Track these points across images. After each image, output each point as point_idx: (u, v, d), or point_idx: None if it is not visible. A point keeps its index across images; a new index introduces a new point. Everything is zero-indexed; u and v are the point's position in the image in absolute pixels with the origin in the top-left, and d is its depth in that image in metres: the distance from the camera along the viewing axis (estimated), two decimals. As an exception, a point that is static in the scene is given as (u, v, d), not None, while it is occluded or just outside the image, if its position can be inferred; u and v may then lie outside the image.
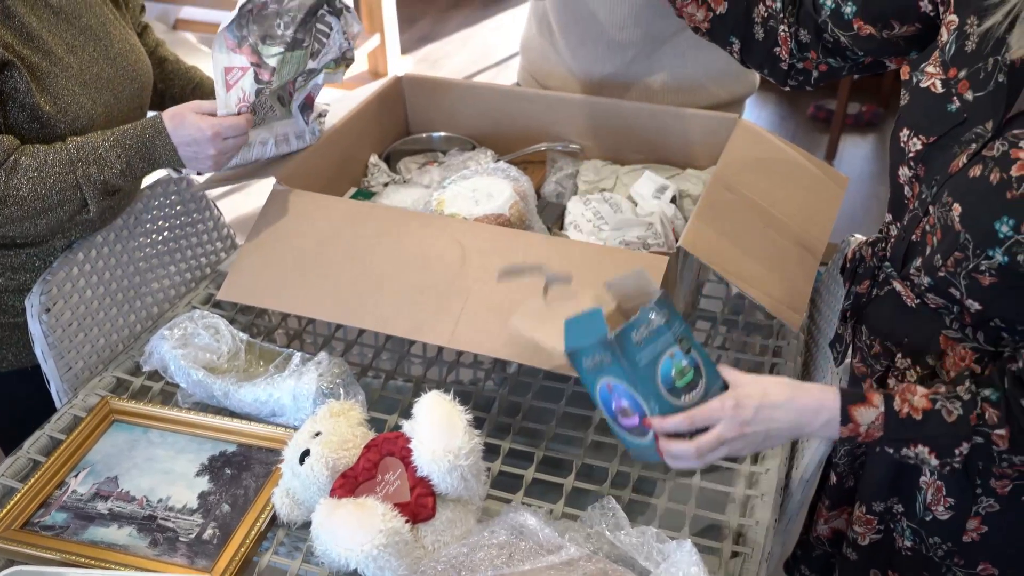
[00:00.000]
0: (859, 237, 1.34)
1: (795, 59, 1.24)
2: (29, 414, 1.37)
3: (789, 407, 1.00)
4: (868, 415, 0.99)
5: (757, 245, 1.34)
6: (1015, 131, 0.93)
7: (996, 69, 0.95)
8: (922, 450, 0.99)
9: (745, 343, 1.50)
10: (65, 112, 1.35)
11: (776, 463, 1.25)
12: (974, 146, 0.96)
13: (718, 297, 1.60)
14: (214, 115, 1.35)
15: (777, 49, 1.24)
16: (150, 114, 1.42)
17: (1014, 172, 0.91)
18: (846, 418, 0.99)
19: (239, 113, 1.36)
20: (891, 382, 1.15)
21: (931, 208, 1.01)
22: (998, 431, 0.96)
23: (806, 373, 1.48)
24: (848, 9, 1.15)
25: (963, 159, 0.97)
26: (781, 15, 1.23)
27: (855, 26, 1.15)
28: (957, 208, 0.96)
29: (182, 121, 1.35)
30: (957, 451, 0.97)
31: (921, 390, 0.99)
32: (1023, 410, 0.95)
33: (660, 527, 1.14)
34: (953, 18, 1.02)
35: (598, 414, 1.34)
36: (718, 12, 1.25)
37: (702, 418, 1.00)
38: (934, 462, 0.99)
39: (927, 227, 1.02)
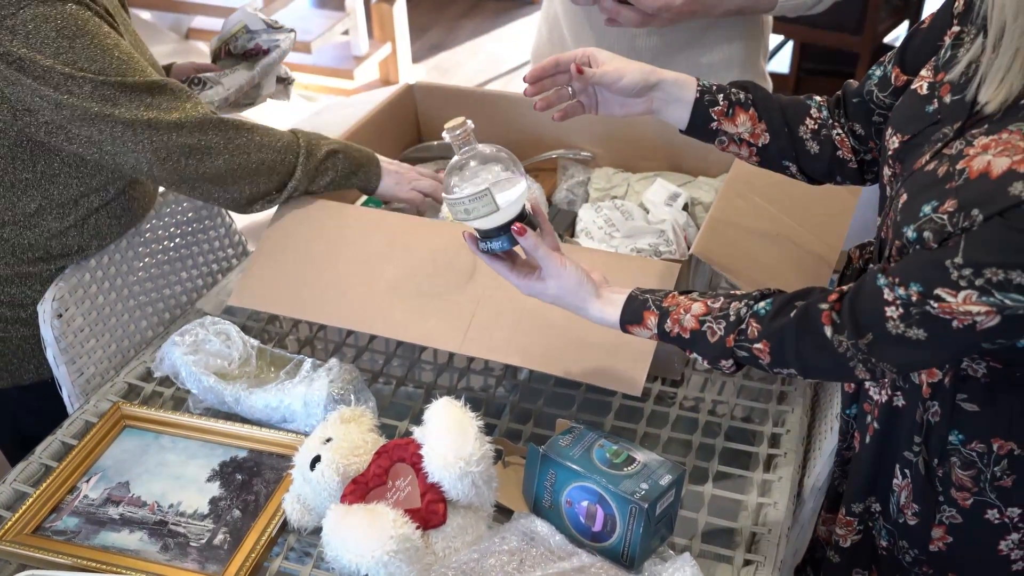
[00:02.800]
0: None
1: (860, 154, 1.21)
2: (48, 427, 1.36)
3: (576, 312, 1.14)
4: (643, 334, 1.11)
5: (770, 253, 1.33)
6: (973, 131, 0.93)
7: (974, 74, 0.96)
8: (696, 356, 1.09)
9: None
10: None
11: (789, 471, 1.24)
12: (939, 145, 0.97)
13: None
14: None
15: (839, 152, 1.21)
16: None
17: (959, 166, 0.91)
18: (624, 328, 1.11)
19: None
20: (869, 385, 1.15)
21: (893, 203, 1.02)
22: (756, 345, 1.03)
23: (818, 382, 1.47)
24: (890, 67, 1.14)
25: (926, 157, 0.98)
26: (831, 120, 1.21)
27: (893, 75, 1.13)
28: (903, 197, 0.96)
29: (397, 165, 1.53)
30: (723, 363, 1.07)
31: (695, 309, 1.08)
32: (790, 332, 1.01)
33: (673, 534, 1.13)
34: (956, 28, 1.03)
35: (609, 421, 1.34)
36: (760, 145, 1.22)
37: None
38: (706, 365, 1.09)
39: (888, 223, 1.03)
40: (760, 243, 1.33)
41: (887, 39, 3.82)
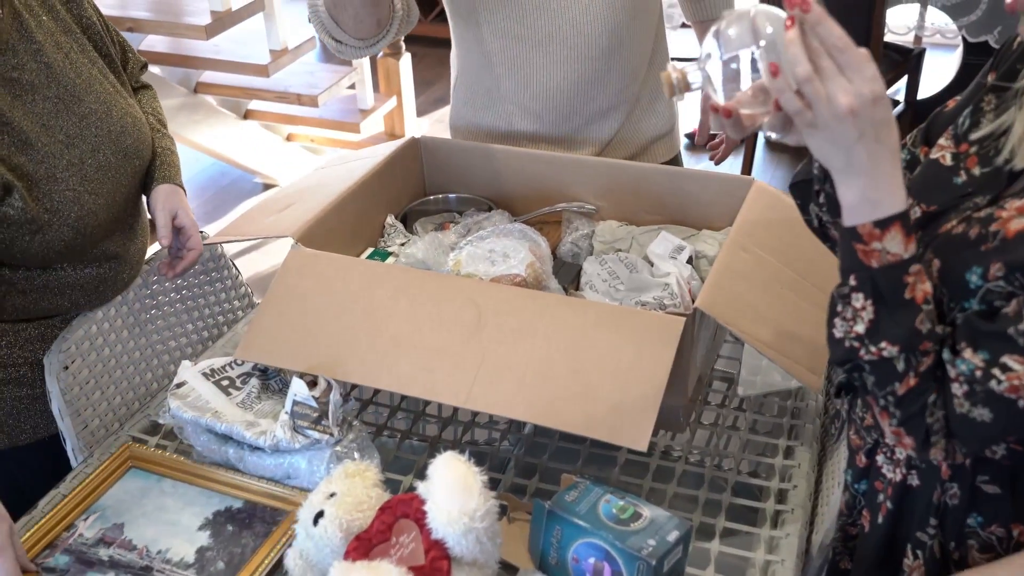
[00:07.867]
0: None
1: None
2: (45, 485, 1.34)
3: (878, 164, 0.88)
4: (896, 245, 0.89)
5: (775, 305, 1.33)
6: (1006, 196, 0.93)
7: (1003, 146, 0.96)
8: (867, 310, 0.91)
9: (763, 404, 1.49)
10: (65, 216, 1.36)
11: (797, 527, 1.23)
12: (969, 212, 0.97)
13: (735, 358, 1.59)
14: None
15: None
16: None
17: (992, 228, 0.91)
18: (886, 223, 0.89)
19: None
20: (879, 458, 1.13)
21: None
22: (913, 375, 0.91)
23: (826, 435, 1.47)
24: (917, 149, 1.13)
25: (953, 223, 0.97)
26: None
27: (921, 156, 1.12)
28: (936, 263, 0.96)
29: None
30: (883, 344, 0.91)
31: (928, 286, 0.92)
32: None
33: (679, 593, 1.12)
34: (982, 100, 1.03)
35: (615, 476, 1.33)
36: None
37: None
38: (862, 327, 0.91)
39: None
40: (765, 296, 1.33)
41: (888, 92, 3.85)
